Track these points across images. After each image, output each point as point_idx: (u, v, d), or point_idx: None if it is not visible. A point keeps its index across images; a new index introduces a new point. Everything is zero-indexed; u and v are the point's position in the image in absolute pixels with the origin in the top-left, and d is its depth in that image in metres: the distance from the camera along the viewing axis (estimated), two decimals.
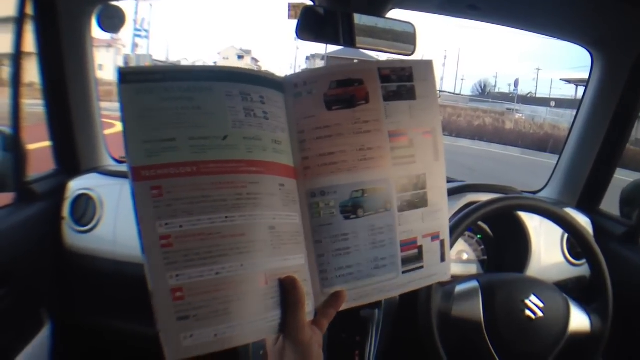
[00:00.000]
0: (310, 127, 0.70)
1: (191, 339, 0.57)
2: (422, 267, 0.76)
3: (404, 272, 0.74)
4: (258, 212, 0.62)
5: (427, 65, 0.76)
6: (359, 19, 1.54)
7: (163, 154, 0.58)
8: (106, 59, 27.62)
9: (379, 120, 0.72)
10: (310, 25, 1.51)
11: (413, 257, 0.75)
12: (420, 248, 0.75)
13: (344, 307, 0.71)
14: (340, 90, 0.71)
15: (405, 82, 0.74)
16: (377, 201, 0.72)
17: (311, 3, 1.58)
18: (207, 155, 0.60)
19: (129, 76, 0.59)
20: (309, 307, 0.67)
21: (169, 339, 0.56)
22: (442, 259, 0.78)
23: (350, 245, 0.70)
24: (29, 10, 1.48)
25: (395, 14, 1.59)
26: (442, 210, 0.77)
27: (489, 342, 1.17)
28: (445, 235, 0.78)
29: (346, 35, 1.55)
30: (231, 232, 0.60)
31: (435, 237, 0.77)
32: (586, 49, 1.77)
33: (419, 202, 0.75)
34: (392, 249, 0.73)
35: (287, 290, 0.64)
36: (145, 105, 0.59)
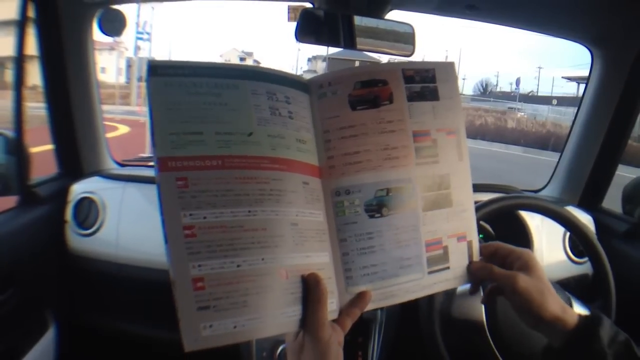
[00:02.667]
0: (335, 127, 0.71)
1: (210, 329, 0.57)
2: (448, 267, 0.75)
3: (429, 273, 0.74)
4: (280, 208, 0.63)
5: (449, 66, 0.77)
6: (359, 21, 1.54)
7: (189, 147, 0.60)
8: (109, 62, 27.74)
9: (403, 120, 0.73)
10: (309, 28, 1.52)
11: (438, 258, 0.75)
12: (445, 248, 0.75)
13: (369, 307, 0.71)
14: (364, 90, 0.72)
15: (429, 83, 0.75)
16: (401, 200, 0.72)
17: (310, 5, 1.59)
18: (232, 150, 0.62)
19: (159, 69, 0.61)
20: (332, 306, 0.67)
21: (188, 328, 0.57)
22: (470, 260, 0.78)
23: (375, 244, 0.70)
24: (31, 13, 1.49)
25: (395, 15, 1.60)
26: (467, 211, 0.77)
27: (491, 342, 1.17)
28: (473, 236, 0.78)
29: (346, 37, 1.56)
30: (253, 226, 0.61)
31: (461, 237, 0.77)
32: (586, 47, 1.77)
33: (443, 201, 0.75)
34: (416, 249, 0.73)
35: (310, 288, 0.64)
36: (174, 98, 0.61)
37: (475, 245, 0.78)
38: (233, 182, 0.61)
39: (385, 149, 0.72)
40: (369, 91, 0.72)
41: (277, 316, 0.62)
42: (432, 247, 0.74)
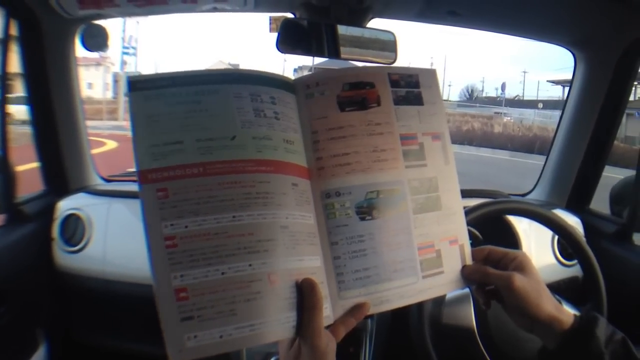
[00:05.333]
0: (324, 128, 0.70)
1: (195, 339, 0.56)
2: (442, 272, 0.75)
3: (424, 277, 0.73)
4: (268, 211, 0.62)
5: (431, 73, 0.79)
6: (343, 30, 1.55)
7: (169, 157, 0.59)
8: (96, 78, 27.70)
9: (390, 123, 0.73)
10: (290, 38, 1.52)
11: (432, 262, 0.74)
12: (438, 252, 0.75)
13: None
14: (353, 92, 0.72)
15: (413, 88, 0.76)
16: (392, 203, 0.72)
17: (292, 16, 1.59)
18: (214, 155, 0.61)
19: (137, 84, 0.61)
20: (326, 311, 0.66)
21: (172, 339, 0.55)
22: (463, 264, 0.77)
23: (366, 247, 0.69)
24: (14, 31, 1.48)
25: (376, 23, 1.61)
26: (457, 214, 0.77)
27: (482, 348, 1.16)
28: (464, 240, 0.78)
29: (330, 47, 1.56)
30: (239, 231, 0.59)
31: (453, 241, 0.77)
32: (569, 50, 1.79)
33: (432, 205, 0.75)
34: (409, 252, 0.72)
35: (305, 293, 0.62)
36: (153, 110, 0.60)
37: (467, 249, 0.78)
38: (216, 188, 0.60)
39: (374, 151, 0.72)
40: (357, 93, 0.72)
41: (270, 323, 0.60)
42: (424, 250, 0.73)
